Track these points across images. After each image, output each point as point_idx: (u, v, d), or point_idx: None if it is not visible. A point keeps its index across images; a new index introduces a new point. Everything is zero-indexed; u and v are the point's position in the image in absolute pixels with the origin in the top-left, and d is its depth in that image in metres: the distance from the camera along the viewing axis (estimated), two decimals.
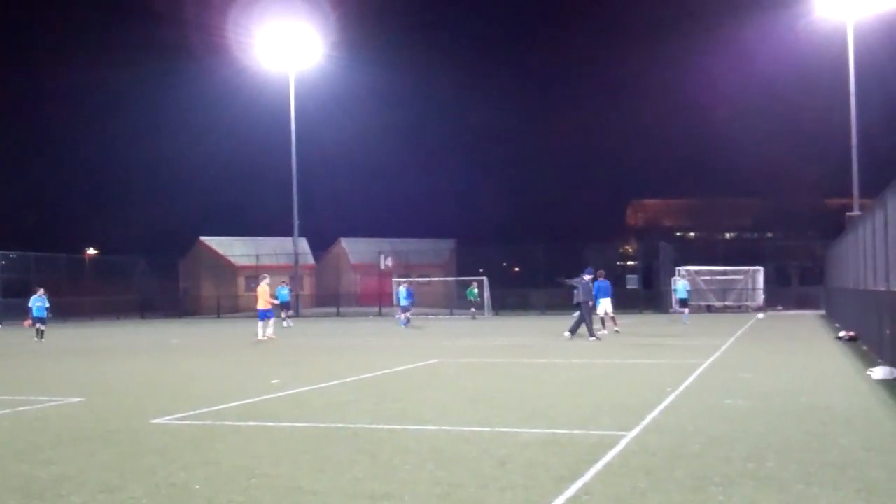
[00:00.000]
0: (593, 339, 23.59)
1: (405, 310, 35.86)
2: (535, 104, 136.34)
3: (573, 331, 24.45)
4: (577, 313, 24.94)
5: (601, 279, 27.41)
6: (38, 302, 30.48)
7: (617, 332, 26.91)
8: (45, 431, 9.80)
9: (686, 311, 34.31)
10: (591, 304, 24.84)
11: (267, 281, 27.59)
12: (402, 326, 34.74)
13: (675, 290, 37.45)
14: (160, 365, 19.16)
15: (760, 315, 40.18)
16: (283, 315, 36.95)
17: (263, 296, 27.04)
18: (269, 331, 26.87)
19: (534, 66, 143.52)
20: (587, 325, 24.16)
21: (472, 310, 45.47)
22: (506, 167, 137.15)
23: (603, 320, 27.67)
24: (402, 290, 36.36)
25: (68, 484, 7.08)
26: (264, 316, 26.93)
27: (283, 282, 40.71)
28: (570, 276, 26.04)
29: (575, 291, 24.70)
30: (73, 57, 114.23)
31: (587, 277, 24.79)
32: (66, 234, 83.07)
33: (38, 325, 30.04)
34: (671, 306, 48.09)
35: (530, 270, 58.33)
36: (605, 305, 27.59)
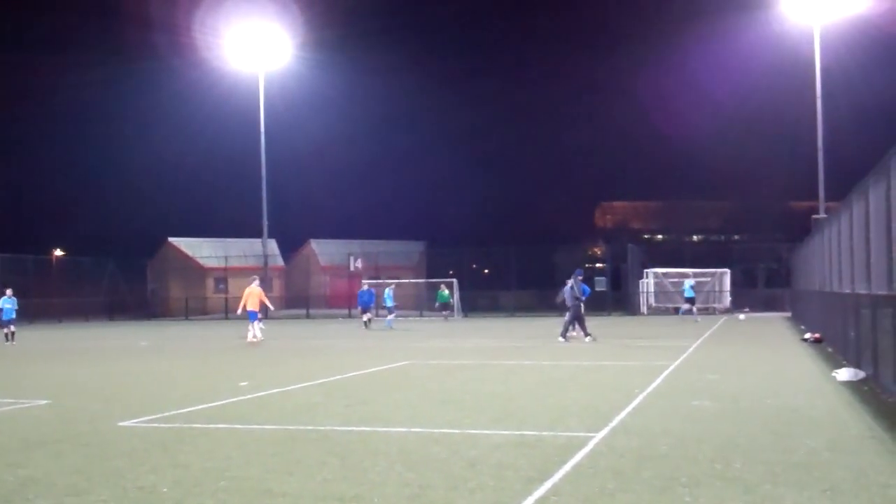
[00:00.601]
0: (562, 340, 23.72)
1: (391, 311, 36.16)
2: (505, 106, 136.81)
3: (564, 333, 24.33)
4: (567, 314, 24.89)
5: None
6: (8, 304, 29.61)
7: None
8: (11, 434, 9.70)
9: (694, 308, 37.51)
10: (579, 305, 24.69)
11: (257, 282, 27.69)
12: (389, 327, 35.01)
13: (682, 290, 39.79)
14: (128, 367, 19.01)
15: (741, 316, 40.78)
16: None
17: (259, 296, 27.07)
18: (258, 332, 27.00)
19: (503, 69, 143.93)
20: (566, 323, 24.19)
21: (445, 312, 45.44)
22: (476, 169, 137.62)
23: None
24: (388, 291, 36.64)
25: (35, 487, 7.02)
26: (255, 317, 27.11)
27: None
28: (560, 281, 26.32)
29: (565, 293, 24.76)
30: (40, 57, 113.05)
31: (576, 280, 24.74)
32: (33, 234, 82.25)
33: (9, 328, 29.14)
34: (640, 308, 48.54)
35: (500, 272, 58.42)
36: None
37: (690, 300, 37.97)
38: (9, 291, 30.12)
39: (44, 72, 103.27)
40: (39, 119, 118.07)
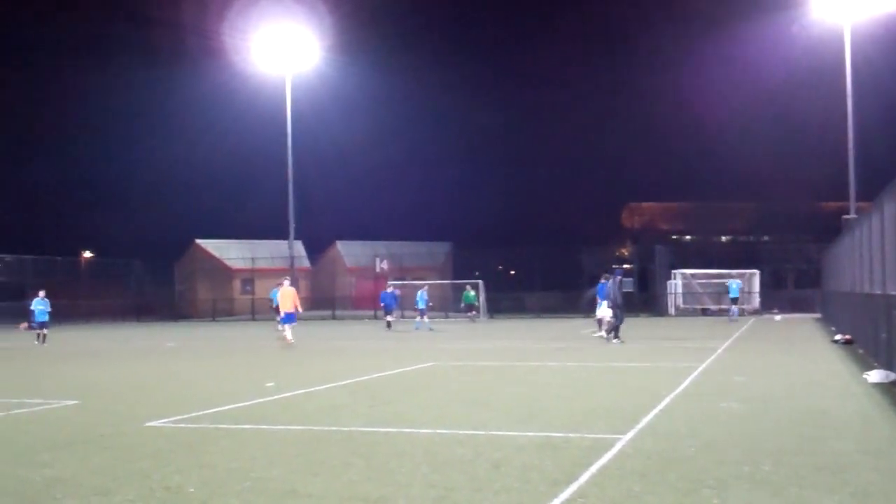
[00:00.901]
0: (599, 334, 23.48)
1: (423, 313, 35.99)
2: (532, 107, 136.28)
3: (616, 334, 24.18)
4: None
5: (605, 280, 27.59)
6: (41, 305, 29.73)
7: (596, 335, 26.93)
8: (39, 434, 9.78)
9: (734, 308, 38.90)
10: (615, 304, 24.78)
11: (289, 282, 27.03)
12: (418, 329, 34.77)
13: (728, 289, 40.63)
14: (155, 368, 19.14)
15: (777, 317, 40.72)
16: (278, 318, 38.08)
17: (292, 298, 26.25)
18: (288, 334, 25.99)
19: (530, 68, 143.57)
20: (609, 323, 24.01)
21: (472, 313, 45.20)
22: (502, 170, 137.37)
23: (600, 322, 27.70)
24: (422, 293, 36.37)
25: (62, 487, 7.06)
26: (292, 319, 26.24)
27: (279, 284, 41.23)
28: (592, 280, 26.49)
29: (602, 292, 24.71)
30: (70, 59, 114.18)
31: (615, 280, 24.71)
32: (62, 236, 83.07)
33: (42, 329, 29.26)
34: (667, 309, 48.27)
35: (526, 273, 58.30)
36: (605, 309, 27.65)
37: (735, 300, 39.21)
38: (42, 293, 30.19)
39: (73, 74, 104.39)
40: (68, 121, 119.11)
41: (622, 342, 23.51)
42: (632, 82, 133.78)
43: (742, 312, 46.65)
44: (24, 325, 32.08)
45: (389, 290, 37.65)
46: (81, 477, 7.46)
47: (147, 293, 64.12)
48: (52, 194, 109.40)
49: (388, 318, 35.27)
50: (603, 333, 26.67)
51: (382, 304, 36.76)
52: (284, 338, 26.01)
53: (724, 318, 38.26)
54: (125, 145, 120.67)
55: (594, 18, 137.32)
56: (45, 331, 29.38)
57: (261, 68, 53.91)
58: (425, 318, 35.91)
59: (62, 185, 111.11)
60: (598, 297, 25.45)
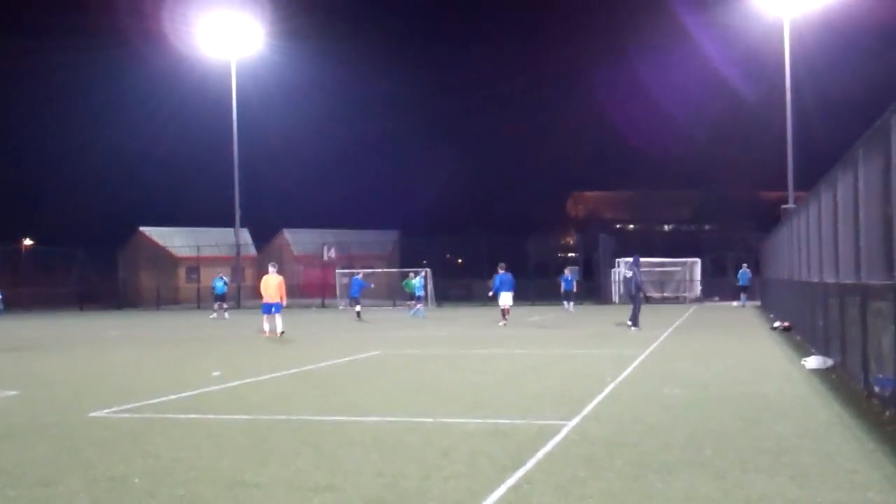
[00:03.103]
0: (635, 328, 23.53)
1: (419, 300, 35.53)
2: (479, 96, 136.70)
3: (635, 322, 24.12)
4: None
5: (503, 272, 28.03)
6: None
7: (503, 325, 27.27)
8: None
9: (744, 296, 40.24)
10: (642, 293, 25.24)
11: (276, 269, 24.37)
12: (420, 317, 34.05)
13: (738, 277, 42.22)
14: (98, 358, 18.88)
15: (735, 303, 41.93)
16: (216, 307, 39.36)
17: (278, 286, 23.42)
18: (279, 325, 23.31)
19: (478, 58, 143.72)
20: (633, 312, 24.26)
21: (412, 302, 44.05)
22: (449, 159, 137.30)
23: (504, 312, 28.06)
24: (419, 280, 35.85)
25: (4, 478, 6.96)
26: (279, 308, 23.37)
27: (220, 273, 41.31)
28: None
29: (626, 282, 24.96)
30: (8, 42, 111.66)
31: (634, 267, 24.99)
32: (2, 223, 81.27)
33: None
34: (611, 297, 48.83)
35: (473, 261, 58.44)
36: (507, 298, 27.97)
37: (744, 288, 40.78)
38: None
39: (11, 58, 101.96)
40: (7, 106, 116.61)
41: (639, 329, 23.55)
42: (576, 73, 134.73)
43: (683, 300, 47.39)
44: None
45: (420, 276, 36.59)
46: (24, 467, 7.35)
47: (90, 281, 63.02)
48: None
49: (357, 307, 34.04)
50: (504, 323, 27.03)
51: (420, 291, 35.98)
52: (263, 331, 23.69)
53: (678, 305, 39.02)
54: (66, 130, 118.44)
55: (539, 9, 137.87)
56: None
57: (205, 53, 53.25)
58: (420, 306, 35.54)
59: (2, 171, 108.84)
60: (494, 287, 26.03)
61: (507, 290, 28.07)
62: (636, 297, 24.44)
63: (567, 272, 41.29)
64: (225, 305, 40.09)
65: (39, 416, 10.22)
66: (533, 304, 45.32)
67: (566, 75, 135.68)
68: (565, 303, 39.62)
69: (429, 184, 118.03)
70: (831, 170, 12.78)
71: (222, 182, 58.92)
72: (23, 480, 6.87)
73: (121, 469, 7.19)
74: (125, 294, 64.87)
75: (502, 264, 28.73)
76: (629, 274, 24.95)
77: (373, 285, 44.70)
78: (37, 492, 6.51)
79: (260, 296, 24.24)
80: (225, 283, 40.45)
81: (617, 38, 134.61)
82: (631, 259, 26.03)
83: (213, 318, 37.36)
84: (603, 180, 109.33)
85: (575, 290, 40.59)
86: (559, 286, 40.27)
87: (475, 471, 6.84)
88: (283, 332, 23.20)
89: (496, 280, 28.23)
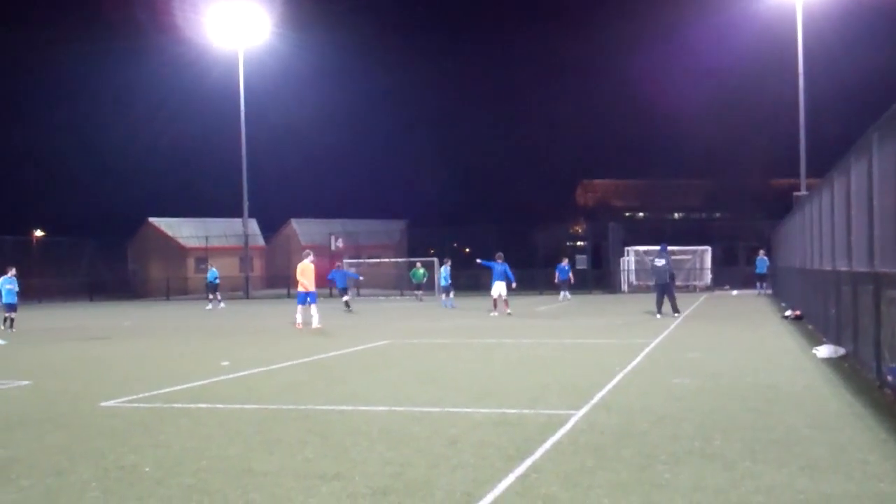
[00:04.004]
0: (664, 315, 23.79)
1: (447, 291, 35.40)
2: (487, 84, 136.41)
3: (661, 309, 24.36)
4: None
5: (500, 261, 27.99)
6: (9, 284, 25.43)
7: (509, 314, 27.27)
8: None
9: (762, 284, 40.29)
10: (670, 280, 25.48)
11: (312, 257, 23.59)
12: (449, 308, 33.73)
13: (756, 264, 41.63)
14: (109, 348, 18.94)
15: (734, 292, 41.89)
16: (210, 297, 40.52)
17: (312, 274, 23.07)
18: (315, 317, 22.78)
19: (485, 46, 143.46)
20: (671, 301, 24.37)
21: (419, 292, 44.72)
22: (458, 148, 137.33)
23: (496, 302, 28.02)
24: (445, 269, 35.79)
25: (17, 467, 6.99)
26: (315, 298, 23.12)
27: (211, 264, 42.00)
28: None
29: (656, 270, 24.97)
30: (19, 35, 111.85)
31: (665, 255, 24.99)
32: (13, 215, 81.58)
33: (10, 314, 25.20)
34: (621, 286, 48.76)
35: (481, 251, 58.38)
36: (500, 287, 27.93)
37: (762, 276, 40.61)
38: (11, 271, 25.95)
39: (23, 50, 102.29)
40: (16, 98, 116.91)
41: (662, 315, 23.93)
42: (586, 60, 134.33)
43: (694, 289, 47.28)
44: None
45: (446, 266, 36.52)
46: (36, 457, 7.39)
47: (100, 272, 63.22)
48: (2, 172, 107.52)
49: (345, 297, 34.41)
50: (497, 314, 27.01)
51: (445, 281, 35.68)
52: (297, 322, 23.21)
53: (688, 293, 39.08)
54: (75, 121, 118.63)
55: None
56: (13, 314, 25.54)
57: (213, 43, 53.20)
58: (451, 295, 35.30)
59: (12, 163, 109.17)
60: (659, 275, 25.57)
61: (500, 280, 27.98)
62: (671, 284, 24.62)
63: (564, 262, 41.16)
64: (218, 297, 40.73)
65: (52, 405, 10.27)
66: (541, 294, 45.26)
67: (576, 64, 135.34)
68: (562, 293, 39.68)
69: (437, 173, 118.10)
70: (845, 156, 12.69)
71: (230, 172, 58.91)
72: (35, 469, 6.90)
73: (131, 458, 7.21)
74: (134, 284, 65.13)
75: (500, 254, 28.67)
76: (660, 262, 24.73)
77: (362, 277, 44.87)
78: (49, 481, 6.54)
79: (295, 284, 23.45)
80: (216, 277, 41.13)
81: (627, 27, 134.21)
82: (658, 247, 25.87)
83: (209, 310, 37.73)
84: (612, 168, 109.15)
85: (572, 280, 40.66)
86: (554, 276, 40.51)
87: (482, 460, 6.84)
88: (319, 327, 22.51)
89: (494, 271, 28.20)
